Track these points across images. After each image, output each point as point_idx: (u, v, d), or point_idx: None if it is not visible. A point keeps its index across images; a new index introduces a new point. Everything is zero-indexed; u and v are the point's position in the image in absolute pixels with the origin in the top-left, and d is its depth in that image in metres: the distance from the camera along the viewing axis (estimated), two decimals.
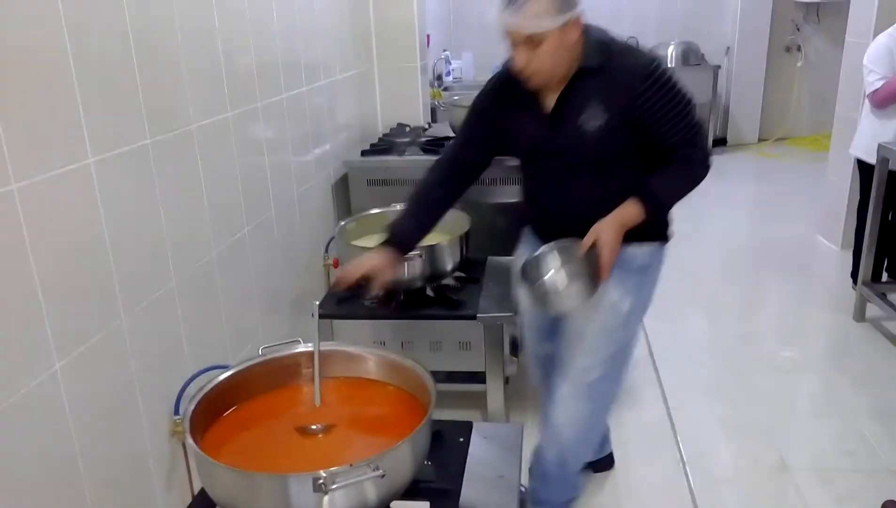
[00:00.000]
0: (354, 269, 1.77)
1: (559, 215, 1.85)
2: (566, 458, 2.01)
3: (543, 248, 1.76)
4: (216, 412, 1.42)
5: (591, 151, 1.73)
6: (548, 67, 1.64)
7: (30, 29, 1.26)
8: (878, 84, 3.30)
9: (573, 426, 1.95)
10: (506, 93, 1.82)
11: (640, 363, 3.20)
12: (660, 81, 1.66)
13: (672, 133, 1.71)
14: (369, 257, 1.80)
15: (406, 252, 1.87)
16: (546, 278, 1.73)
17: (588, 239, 1.69)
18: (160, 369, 1.69)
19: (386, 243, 1.83)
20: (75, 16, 1.37)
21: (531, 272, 1.75)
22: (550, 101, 1.73)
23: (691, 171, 1.77)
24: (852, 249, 3.78)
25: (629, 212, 1.72)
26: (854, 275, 3.76)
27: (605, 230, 1.69)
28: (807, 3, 6.81)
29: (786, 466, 2.46)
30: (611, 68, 1.67)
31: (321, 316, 2.44)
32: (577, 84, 1.69)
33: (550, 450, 2.01)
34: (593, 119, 1.68)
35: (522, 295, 2.00)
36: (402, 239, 1.85)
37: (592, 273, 1.69)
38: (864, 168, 3.55)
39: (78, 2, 1.38)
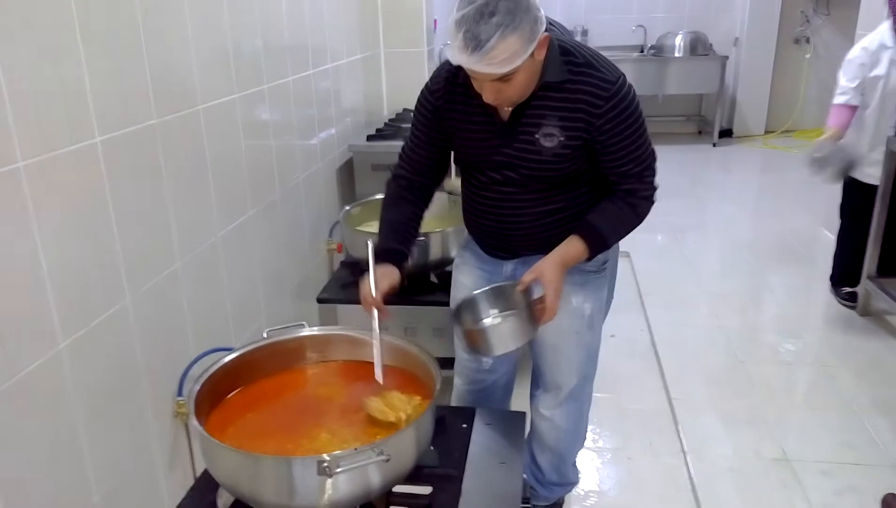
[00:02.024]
0: (375, 295, 1.53)
1: (502, 230, 1.74)
2: (559, 462, 2.04)
3: (478, 292, 1.67)
4: (221, 393, 1.42)
5: (546, 167, 1.61)
6: (520, 94, 1.52)
7: (37, 7, 1.25)
8: (840, 99, 3.27)
9: (560, 432, 1.97)
10: (456, 91, 1.64)
11: (643, 353, 3.20)
12: (622, 103, 1.53)
13: (624, 161, 1.60)
14: (381, 278, 1.57)
15: (402, 264, 1.67)
16: (483, 321, 1.62)
17: (528, 278, 1.56)
18: (164, 349, 1.69)
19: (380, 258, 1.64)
20: None
21: (465, 315, 1.63)
22: (507, 110, 1.59)
23: (637, 207, 1.65)
24: (833, 252, 3.73)
25: (572, 250, 1.61)
26: (832, 279, 3.73)
27: (549, 270, 1.56)
28: None
29: (787, 458, 2.46)
30: (573, 83, 1.54)
31: (324, 301, 2.47)
32: (537, 95, 1.56)
33: (543, 457, 2.03)
34: (551, 136, 1.56)
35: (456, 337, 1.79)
36: (395, 260, 1.66)
37: (530, 316, 1.54)
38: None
39: None
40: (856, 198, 3.50)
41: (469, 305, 1.66)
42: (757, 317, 3.62)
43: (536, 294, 1.57)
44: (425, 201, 1.80)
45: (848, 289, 3.61)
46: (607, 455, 2.54)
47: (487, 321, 1.62)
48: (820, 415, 2.72)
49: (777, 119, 7.20)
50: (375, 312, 1.51)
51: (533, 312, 1.55)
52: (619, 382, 2.95)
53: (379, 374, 1.44)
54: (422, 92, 1.72)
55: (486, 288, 1.68)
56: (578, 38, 6.87)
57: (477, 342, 1.57)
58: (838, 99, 3.31)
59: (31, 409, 1.27)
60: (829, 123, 3.32)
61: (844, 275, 3.65)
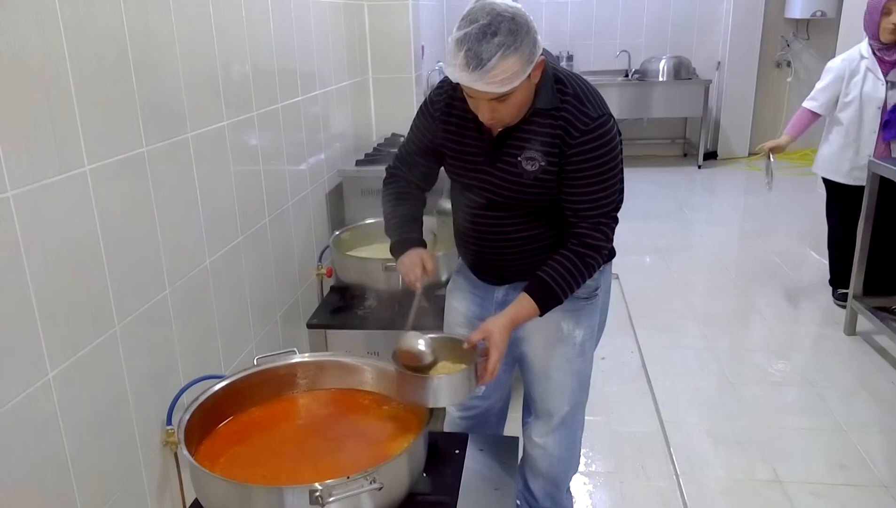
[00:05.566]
0: (418, 274, 1.68)
1: (489, 255, 1.75)
2: (553, 489, 2.04)
3: (425, 339, 1.55)
4: (211, 422, 1.41)
5: (527, 191, 1.61)
6: (514, 115, 1.54)
7: (28, 36, 1.26)
8: (807, 103, 3.67)
9: (553, 460, 1.96)
10: (454, 105, 1.67)
11: (634, 375, 3.20)
12: (597, 141, 1.53)
13: (581, 198, 1.58)
14: (421, 260, 1.70)
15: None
16: (427, 374, 1.47)
17: (476, 337, 1.51)
18: (153, 378, 1.68)
19: (408, 246, 1.74)
20: (73, 23, 1.36)
21: (404, 361, 1.49)
22: (496, 130, 1.62)
23: (585, 259, 1.60)
24: (828, 257, 3.96)
25: (522, 310, 1.58)
26: (832, 283, 3.92)
27: (497, 331, 1.51)
28: (797, 20, 6.89)
29: (779, 479, 2.46)
30: (558, 111, 1.55)
31: (314, 326, 2.46)
32: (527, 119, 1.57)
33: (536, 484, 2.02)
34: (532, 160, 1.57)
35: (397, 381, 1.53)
36: (420, 242, 1.76)
37: (472, 375, 1.46)
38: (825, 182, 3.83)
39: (76, 9, 1.37)
40: (839, 198, 3.73)
41: (411, 349, 1.52)
42: (745, 338, 3.64)
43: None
44: (422, 200, 1.86)
45: (843, 290, 3.71)
46: (600, 479, 2.53)
47: (436, 374, 1.48)
48: (810, 436, 2.73)
49: (760, 141, 7.21)
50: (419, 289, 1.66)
51: (476, 370, 1.48)
52: (611, 405, 2.95)
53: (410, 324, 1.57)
54: (425, 100, 1.76)
55: (434, 335, 1.60)
56: (564, 64, 6.98)
57: (412, 388, 1.44)
58: (806, 103, 3.68)
59: (19, 439, 1.25)
60: (786, 129, 3.72)
61: (839, 276, 3.81)
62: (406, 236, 1.76)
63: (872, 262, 3.62)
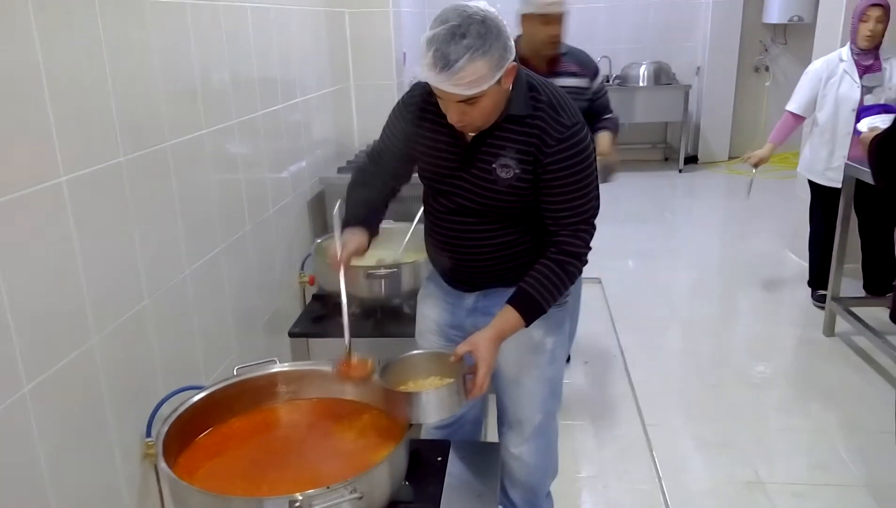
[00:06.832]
0: (341, 256, 1.59)
1: (460, 262, 1.74)
2: (531, 497, 2.03)
3: (411, 353, 1.58)
4: (190, 434, 1.40)
5: (500, 198, 1.61)
6: (484, 119, 1.53)
7: (1, 45, 1.25)
8: (790, 105, 3.78)
9: (530, 469, 1.96)
10: (427, 109, 1.66)
11: (617, 379, 3.21)
12: (573, 149, 1.54)
13: (560, 206, 1.59)
14: (348, 239, 1.62)
15: (373, 233, 1.71)
16: (412, 389, 1.47)
17: (462, 349, 1.50)
18: (132, 390, 1.66)
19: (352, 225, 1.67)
20: (48, 32, 1.35)
21: (392, 374, 1.50)
22: (470, 135, 1.61)
23: (566, 266, 1.60)
24: (808, 259, 4.03)
25: (508, 323, 1.57)
26: (811, 284, 3.98)
27: (484, 345, 1.50)
28: (774, 25, 6.98)
29: (760, 480, 2.48)
30: (532, 119, 1.55)
31: (296, 335, 2.45)
32: (500, 126, 1.57)
33: (515, 493, 2.02)
34: (507, 167, 1.57)
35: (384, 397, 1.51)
36: (367, 225, 1.69)
37: (460, 388, 1.44)
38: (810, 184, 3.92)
39: (51, 18, 1.36)
40: (821, 199, 3.80)
41: (398, 364, 1.54)
42: (727, 341, 3.66)
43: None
44: (388, 196, 1.82)
45: (821, 291, 3.76)
46: (583, 484, 2.53)
47: (423, 389, 1.47)
48: (791, 437, 2.76)
49: (740, 145, 7.37)
50: (342, 271, 1.55)
51: (464, 384, 1.46)
52: (594, 409, 2.96)
53: (347, 338, 1.49)
54: (398, 102, 1.75)
55: (421, 351, 1.62)
56: None
57: (400, 404, 1.42)
58: (789, 105, 3.79)
59: None
60: (770, 137, 3.82)
61: (818, 277, 3.87)
62: (350, 215, 1.69)
63: (869, 263, 3.73)
